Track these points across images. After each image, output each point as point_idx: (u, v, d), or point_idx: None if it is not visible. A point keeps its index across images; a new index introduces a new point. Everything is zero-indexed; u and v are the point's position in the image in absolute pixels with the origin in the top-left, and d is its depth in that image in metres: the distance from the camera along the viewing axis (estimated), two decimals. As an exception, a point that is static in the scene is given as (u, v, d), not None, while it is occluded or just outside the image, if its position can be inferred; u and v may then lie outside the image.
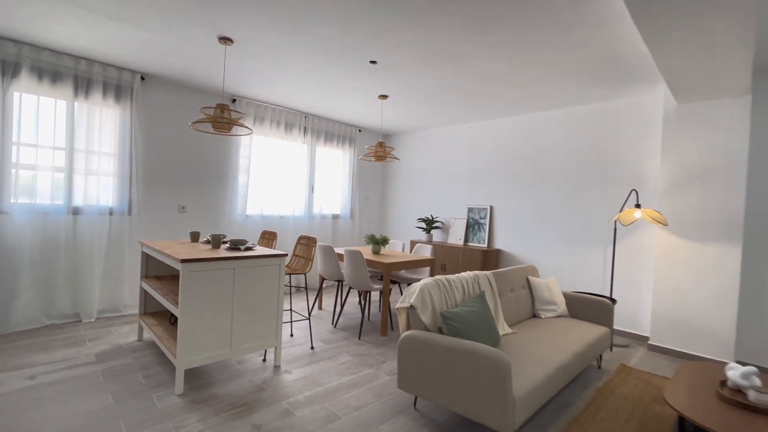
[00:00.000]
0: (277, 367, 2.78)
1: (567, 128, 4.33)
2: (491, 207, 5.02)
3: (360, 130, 5.98)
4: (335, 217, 5.76)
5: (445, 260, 5.08)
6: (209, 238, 2.98)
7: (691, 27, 2.07)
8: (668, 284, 3.42)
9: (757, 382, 1.82)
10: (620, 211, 3.46)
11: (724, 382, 1.95)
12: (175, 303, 2.45)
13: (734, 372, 1.88)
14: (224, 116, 2.98)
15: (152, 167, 3.99)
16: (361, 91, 4.11)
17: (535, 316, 3.15)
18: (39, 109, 3.33)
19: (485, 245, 4.98)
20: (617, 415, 2.33)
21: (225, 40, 2.98)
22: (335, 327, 3.75)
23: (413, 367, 2.10)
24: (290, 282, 3.32)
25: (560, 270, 4.33)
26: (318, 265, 4.13)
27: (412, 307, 2.20)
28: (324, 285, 5.60)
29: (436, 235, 5.69)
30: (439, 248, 5.14)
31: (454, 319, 2.09)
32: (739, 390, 1.86)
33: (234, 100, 4.55)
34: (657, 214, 3.25)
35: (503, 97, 4.05)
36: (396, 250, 4.59)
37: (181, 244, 3.06)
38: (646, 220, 3.66)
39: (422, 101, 4.36)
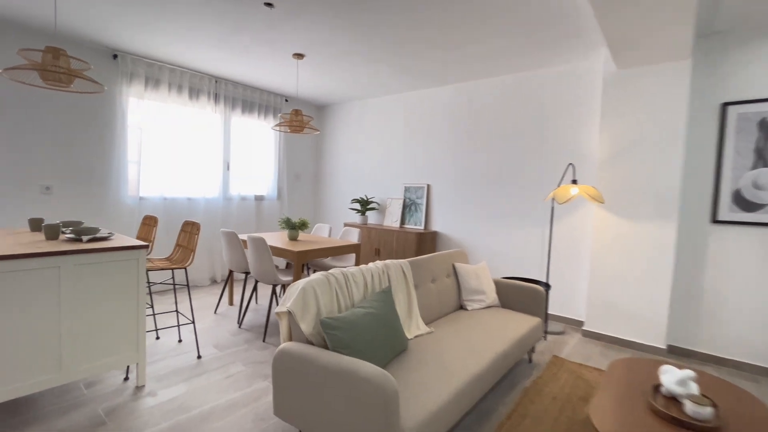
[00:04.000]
0: (139, 388, 2.20)
1: (503, 98, 3.94)
2: (428, 185, 4.61)
3: (287, 100, 5.28)
4: (259, 198, 5.10)
5: (379, 244, 4.63)
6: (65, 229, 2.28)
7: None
8: (603, 265, 3.18)
9: (694, 388, 1.52)
10: (557, 187, 3.14)
11: (657, 387, 1.64)
12: (-31, 317, 1.78)
13: (669, 377, 1.57)
14: (59, 65, 2.24)
15: (-5, 136, 3.12)
16: (271, 48, 3.44)
17: (461, 307, 2.78)
18: None
19: (422, 227, 4.58)
20: (542, 421, 2.00)
21: (54, -41, 2.21)
22: (240, 327, 3.20)
23: (290, 389, 1.62)
24: (173, 278, 2.71)
25: (497, 254, 4.02)
26: (224, 255, 3.52)
27: (290, 312, 1.70)
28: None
29: (372, 217, 5.22)
30: (374, 231, 4.68)
31: (338, 326, 1.62)
32: (673, 398, 1.56)
33: (115, 56, 3.70)
34: (594, 191, 2.96)
35: (434, 60, 3.56)
36: (320, 236, 4.06)
37: (13, 234, 2.33)
38: (583, 198, 3.39)
39: (344, 62, 3.77)
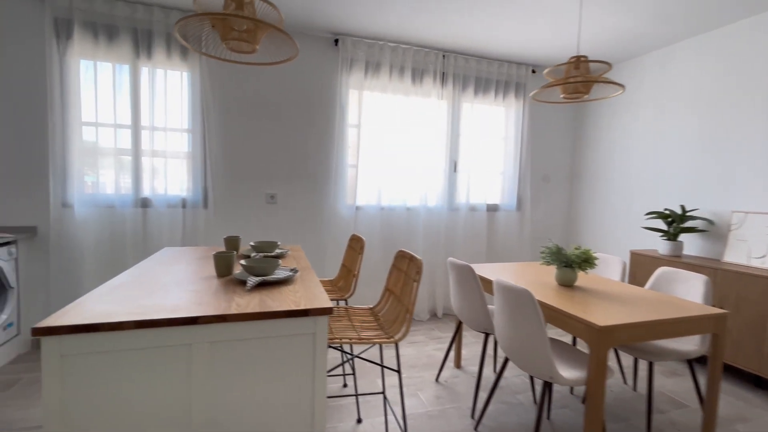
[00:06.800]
0: None
1: None
2: None
3: (534, 71, 3.74)
4: (492, 208, 3.77)
5: (719, 300, 2.44)
6: (253, 255, 1.59)
7: None
8: None
9: None
10: None
11: None
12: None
13: None
14: (242, 14, 1.51)
15: (230, 142, 2.99)
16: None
17: None
18: (97, 78, 2.67)
19: None
20: None
21: None
22: (476, 429, 1.89)
23: None
24: (382, 354, 1.65)
25: None
26: (452, 298, 2.32)
27: None
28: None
29: (692, 244, 2.98)
30: (704, 273, 2.52)
31: None
32: None
33: (336, 41, 3.15)
34: None
35: None
36: (606, 277, 2.33)
37: (204, 257, 1.80)
38: None
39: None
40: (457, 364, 2.56)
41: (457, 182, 3.60)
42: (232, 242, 1.90)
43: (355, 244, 2.11)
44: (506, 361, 1.87)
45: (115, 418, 0.98)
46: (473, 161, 3.62)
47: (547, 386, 1.62)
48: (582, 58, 2.03)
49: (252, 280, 1.29)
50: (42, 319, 2.66)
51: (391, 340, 1.37)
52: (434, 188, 3.49)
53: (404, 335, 1.37)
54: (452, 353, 2.74)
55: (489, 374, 2.49)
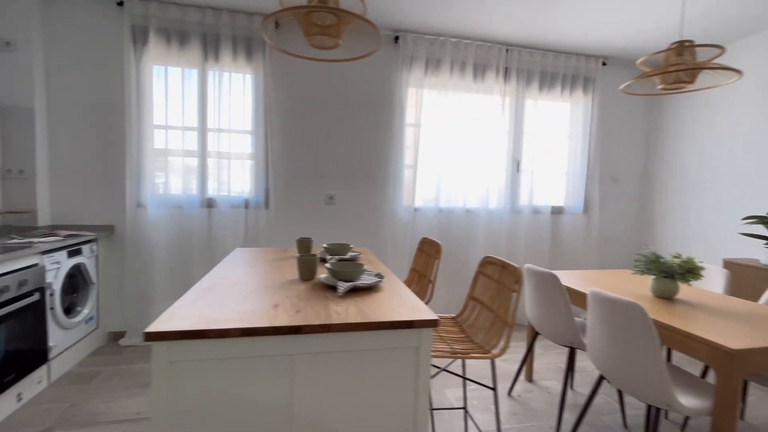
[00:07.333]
0: None
1: None
2: None
3: (605, 63, 3.47)
4: (557, 211, 3.54)
5: None
6: (329, 258, 1.53)
7: None
8: None
9: None
10: None
11: None
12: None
13: None
14: (329, 6, 1.45)
15: (290, 143, 2.99)
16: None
17: None
18: (168, 82, 2.75)
19: None
20: None
21: None
22: (564, 453, 1.72)
23: None
24: (464, 368, 1.51)
25: None
26: (525, 304, 2.16)
27: None
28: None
29: (799, 253, 2.62)
30: (826, 287, 2.18)
31: None
32: None
33: (396, 38, 3.07)
34: None
35: None
36: (704, 289, 2.08)
37: (276, 258, 1.77)
38: None
39: None
40: (529, 378, 2.39)
41: (520, 183, 3.40)
42: (305, 244, 1.85)
43: (429, 248, 2.01)
44: (600, 380, 1.68)
45: (218, 425, 0.94)
46: (537, 161, 3.41)
47: (655, 412, 1.43)
48: (686, 43, 1.81)
49: (343, 286, 1.22)
50: (117, 313, 2.78)
51: (488, 355, 1.25)
52: (495, 189, 3.32)
53: (503, 351, 1.25)
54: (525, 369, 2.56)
55: (559, 389, 2.30)
